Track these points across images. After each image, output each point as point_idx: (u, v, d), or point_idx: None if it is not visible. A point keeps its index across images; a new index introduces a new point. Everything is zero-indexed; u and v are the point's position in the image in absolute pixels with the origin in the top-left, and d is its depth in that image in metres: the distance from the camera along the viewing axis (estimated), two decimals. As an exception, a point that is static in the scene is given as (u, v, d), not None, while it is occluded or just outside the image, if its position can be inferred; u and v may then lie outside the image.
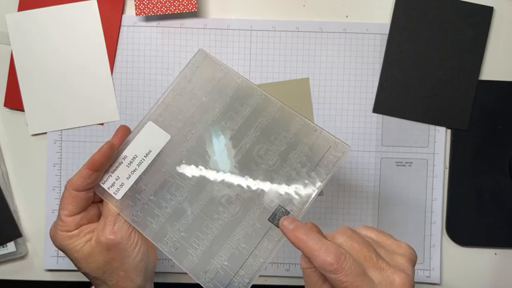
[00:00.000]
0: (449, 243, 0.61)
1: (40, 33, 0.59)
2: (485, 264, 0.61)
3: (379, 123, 0.61)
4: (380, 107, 0.61)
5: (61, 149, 0.61)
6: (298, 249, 0.40)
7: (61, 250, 0.46)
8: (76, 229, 0.45)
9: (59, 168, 0.61)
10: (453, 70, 0.60)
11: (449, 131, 0.61)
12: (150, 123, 0.49)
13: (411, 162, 0.61)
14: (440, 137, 0.61)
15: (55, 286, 0.64)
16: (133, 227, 0.47)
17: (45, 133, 0.61)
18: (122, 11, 0.60)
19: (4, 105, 0.61)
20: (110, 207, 0.46)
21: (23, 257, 0.61)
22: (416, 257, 0.42)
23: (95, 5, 0.60)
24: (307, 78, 0.61)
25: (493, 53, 0.61)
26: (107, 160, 0.46)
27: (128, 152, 0.48)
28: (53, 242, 0.46)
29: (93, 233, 0.46)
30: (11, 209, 0.60)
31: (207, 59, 0.51)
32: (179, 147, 0.49)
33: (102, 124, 0.61)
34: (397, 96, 0.60)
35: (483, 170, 0.61)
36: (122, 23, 0.60)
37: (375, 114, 0.61)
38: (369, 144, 0.61)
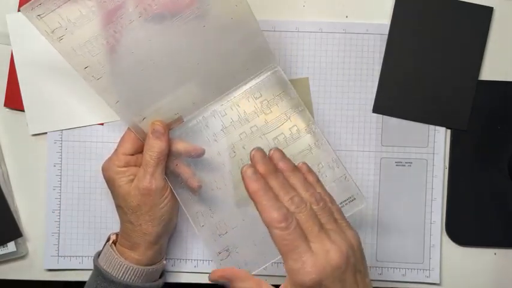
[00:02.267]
0: (449, 243, 0.61)
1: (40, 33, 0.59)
2: (484, 264, 0.62)
3: (378, 123, 0.61)
4: (380, 107, 0.61)
5: (61, 149, 0.61)
6: (253, 200, 0.43)
7: (108, 182, 0.55)
8: (124, 167, 0.53)
9: (59, 168, 0.61)
10: (453, 70, 0.60)
11: (448, 131, 0.61)
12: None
13: (411, 162, 0.61)
14: (439, 137, 0.61)
15: (55, 286, 0.64)
16: (167, 182, 0.54)
17: (46, 133, 0.61)
18: (122, 11, 0.60)
19: (4, 105, 0.61)
20: (148, 159, 0.52)
21: (23, 257, 0.61)
22: (357, 246, 0.44)
23: (95, 5, 0.60)
24: (307, 78, 0.61)
25: (492, 53, 0.61)
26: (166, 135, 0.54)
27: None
28: (104, 173, 0.55)
29: (135, 176, 0.53)
30: (11, 209, 0.60)
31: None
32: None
33: (102, 124, 0.61)
34: (396, 96, 0.60)
35: (483, 170, 0.61)
36: (122, 23, 0.60)
37: (375, 114, 0.61)
38: (369, 144, 0.61)
